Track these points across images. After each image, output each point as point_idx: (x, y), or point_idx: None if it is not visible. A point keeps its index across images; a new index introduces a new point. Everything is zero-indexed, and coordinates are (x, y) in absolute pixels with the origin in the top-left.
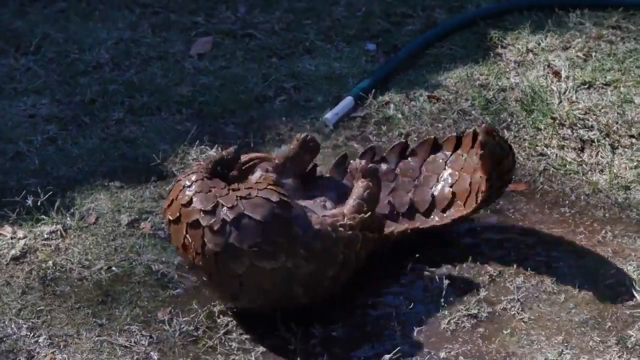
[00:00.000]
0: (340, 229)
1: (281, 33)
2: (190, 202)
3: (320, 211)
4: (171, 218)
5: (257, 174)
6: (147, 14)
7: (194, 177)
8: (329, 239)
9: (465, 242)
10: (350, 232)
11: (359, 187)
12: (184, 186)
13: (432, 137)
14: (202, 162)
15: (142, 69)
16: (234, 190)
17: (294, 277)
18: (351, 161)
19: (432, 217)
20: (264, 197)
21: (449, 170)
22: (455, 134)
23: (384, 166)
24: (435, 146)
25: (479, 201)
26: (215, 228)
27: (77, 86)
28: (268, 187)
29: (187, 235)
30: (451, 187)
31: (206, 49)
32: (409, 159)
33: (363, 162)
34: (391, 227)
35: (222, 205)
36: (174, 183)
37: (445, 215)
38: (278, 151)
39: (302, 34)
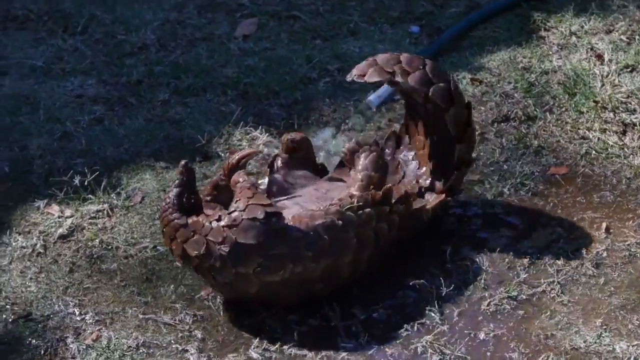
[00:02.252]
0: (348, 212)
1: (325, 15)
2: (184, 253)
3: (329, 198)
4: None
5: (241, 180)
6: None
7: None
8: (335, 228)
9: (505, 224)
10: (361, 211)
11: (362, 159)
12: (170, 239)
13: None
14: (169, 207)
15: (188, 50)
16: (217, 220)
17: (310, 278)
18: (345, 144)
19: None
20: (249, 218)
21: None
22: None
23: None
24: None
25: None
26: (218, 265)
27: (124, 67)
28: (249, 204)
29: (199, 275)
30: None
31: (251, 31)
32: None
33: (354, 143)
34: (422, 203)
35: (214, 243)
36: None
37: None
38: (321, 135)
39: (346, 16)
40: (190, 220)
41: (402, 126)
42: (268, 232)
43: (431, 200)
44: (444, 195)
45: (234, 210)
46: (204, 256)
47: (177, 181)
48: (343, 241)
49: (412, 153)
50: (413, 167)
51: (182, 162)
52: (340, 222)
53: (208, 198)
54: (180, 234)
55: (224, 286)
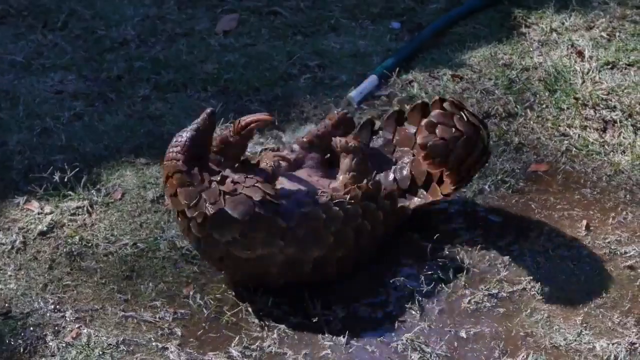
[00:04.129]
0: (335, 207)
1: (306, 11)
2: (175, 194)
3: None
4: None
5: (267, 159)
6: None
7: (172, 169)
8: (316, 220)
9: (485, 222)
10: (349, 206)
11: (346, 160)
12: (167, 176)
13: (420, 101)
14: (179, 146)
15: (168, 45)
16: (220, 182)
17: (271, 262)
18: (333, 138)
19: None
20: (247, 194)
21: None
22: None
23: (380, 140)
24: (425, 110)
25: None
26: (198, 221)
27: (104, 62)
28: (255, 184)
29: (179, 219)
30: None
31: (232, 26)
32: (405, 124)
33: (343, 140)
34: (405, 202)
35: (205, 200)
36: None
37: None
38: (302, 131)
39: (327, 12)
40: (193, 171)
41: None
42: (254, 215)
43: (416, 201)
44: (431, 198)
45: (238, 181)
46: (191, 206)
47: (195, 125)
48: (318, 235)
49: (405, 157)
50: (398, 168)
51: (209, 109)
52: (324, 215)
53: (215, 149)
54: (179, 177)
55: (193, 239)
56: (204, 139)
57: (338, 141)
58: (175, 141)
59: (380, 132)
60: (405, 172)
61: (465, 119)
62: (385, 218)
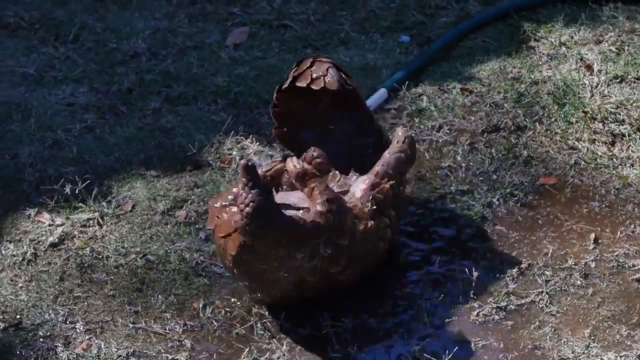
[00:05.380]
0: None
1: (316, 24)
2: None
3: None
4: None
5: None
6: (183, 4)
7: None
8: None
9: (494, 235)
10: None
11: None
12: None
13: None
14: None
15: (179, 58)
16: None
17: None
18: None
19: None
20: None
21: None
22: None
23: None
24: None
25: None
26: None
27: (115, 75)
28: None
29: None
30: None
31: (242, 39)
32: None
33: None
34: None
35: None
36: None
37: None
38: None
39: (337, 25)
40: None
41: None
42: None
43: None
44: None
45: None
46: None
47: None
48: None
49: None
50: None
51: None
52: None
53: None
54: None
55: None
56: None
57: (400, 132)
58: (240, 215)
59: None
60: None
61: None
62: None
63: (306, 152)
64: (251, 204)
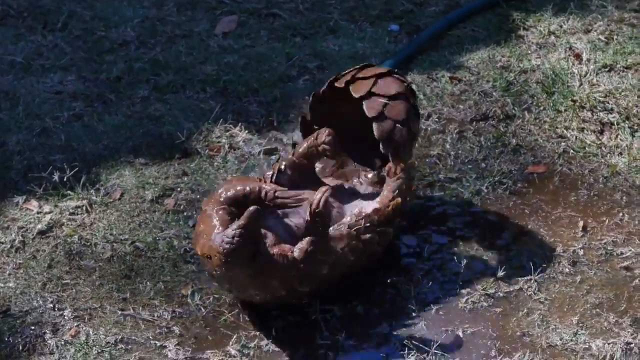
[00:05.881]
0: (355, 242)
1: (305, 13)
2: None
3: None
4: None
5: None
6: None
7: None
8: (335, 255)
9: (483, 223)
10: (365, 236)
11: (386, 192)
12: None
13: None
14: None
15: (168, 47)
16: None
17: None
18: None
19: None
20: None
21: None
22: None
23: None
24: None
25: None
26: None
27: (103, 63)
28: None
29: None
30: None
31: (231, 28)
32: None
33: (392, 170)
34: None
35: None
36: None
37: None
38: (296, 134)
39: (326, 14)
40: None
41: None
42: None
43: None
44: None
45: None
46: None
47: (240, 230)
48: (335, 266)
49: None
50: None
51: (253, 208)
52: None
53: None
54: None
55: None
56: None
57: (389, 172)
58: (225, 242)
59: None
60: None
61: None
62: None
63: (318, 132)
64: (231, 241)
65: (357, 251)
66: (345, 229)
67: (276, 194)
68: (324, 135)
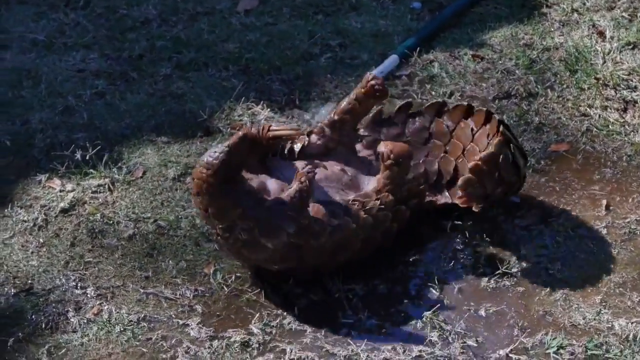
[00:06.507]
0: (365, 215)
1: None
2: (207, 211)
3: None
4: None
5: (300, 165)
6: None
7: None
8: (346, 231)
9: (505, 201)
10: (380, 212)
11: (386, 171)
12: (197, 192)
13: (466, 103)
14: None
15: (190, 24)
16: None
17: (297, 270)
18: (380, 145)
19: (451, 191)
20: (281, 226)
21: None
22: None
23: (417, 122)
24: (469, 112)
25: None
26: (231, 242)
27: (126, 41)
28: (288, 213)
29: (205, 221)
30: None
31: (253, 5)
32: (444, 118)
33: (388, 148)
34: (431, 198)
35: (239, 229)
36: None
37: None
38: (317, 112)
39: None
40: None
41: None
42: (288, 244)
43: (440, 199)
44: (454, 201)
45: (273, 209)
46: (225, 232)
47: (227, 147)
48: (347, 244)
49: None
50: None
51: (242, 132)
52: (353, 225)
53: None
54: (209, 198)
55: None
56: (236, 162)
57: (384, 151)
58: (206, 162)
59: (418, 118)
60: (434, 167)
61: (511, 168)
62: (411, 215)
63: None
64: (214, 157)
65: (366, 227)
66: (351, 201)
67: (271, 127)
68: (370, 76)
